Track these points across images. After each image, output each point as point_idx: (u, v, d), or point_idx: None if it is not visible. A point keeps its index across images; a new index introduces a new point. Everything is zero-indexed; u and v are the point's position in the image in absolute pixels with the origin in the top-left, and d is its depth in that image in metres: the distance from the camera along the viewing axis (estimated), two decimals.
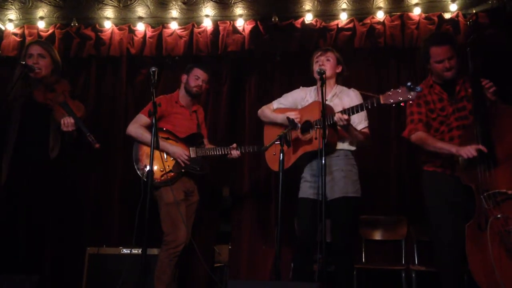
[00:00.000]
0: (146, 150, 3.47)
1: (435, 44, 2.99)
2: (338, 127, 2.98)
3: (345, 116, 2.87)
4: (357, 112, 2.93)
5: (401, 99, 2.72)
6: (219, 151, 3.60)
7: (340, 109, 3.02)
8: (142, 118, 3.53)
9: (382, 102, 2.79)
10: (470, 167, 2.73)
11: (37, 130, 3.18)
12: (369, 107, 2.89)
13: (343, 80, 3.37)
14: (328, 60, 3.23)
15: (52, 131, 3.20)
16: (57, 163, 3.22)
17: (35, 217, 3.16)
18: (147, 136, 3.42)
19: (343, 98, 3.19)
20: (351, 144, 3.15)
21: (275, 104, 3.43)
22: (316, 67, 3.19)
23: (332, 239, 3.02)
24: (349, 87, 3.32)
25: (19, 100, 3.17)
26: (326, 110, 2.81)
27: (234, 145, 3.61)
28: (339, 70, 3.29)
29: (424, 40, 3.17)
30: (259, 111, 3.49)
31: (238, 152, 3.59)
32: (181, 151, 3.48)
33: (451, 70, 2.96)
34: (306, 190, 3.13)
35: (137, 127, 3.52)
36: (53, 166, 3.21)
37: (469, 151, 2.68)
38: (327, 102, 3.02)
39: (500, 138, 2.74)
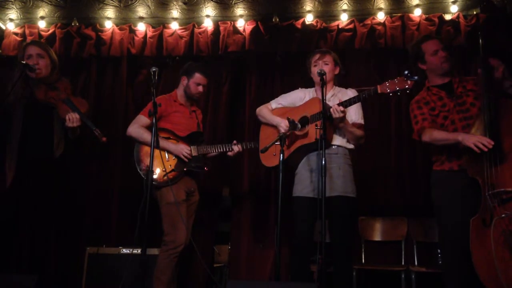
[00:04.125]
0: (147, 150, 3.46)
1: (424, 40, 3.11)
2: (334, 119, 2.96)
3: (341, 108, 2.89)
4: (354, 103, 2.96)
5: (397, 88, 2.77)
6: (220, 149, 3.60)
7: None
8: (142, 119, 3.53)
9: (379, 91, 2.84)
10: (476, 160, 2.71)
11: (40, 129, 3.18)
12: (366, 96, 2.92)
13: (342, 79, 3.38)
14: (326, 64, 3.23)
15: (56, 129, 3.20)
16: (61, 161, 3.22)
17: (40, 217, 3.16)
18: (147, 136, 3.42)
19: (341, 98, 3.19)
20: (348, 142, 3.15)
21: (273, 104, 3.44)
22: (315, 70, 3.20)
23: (331, 239, 3.02)
24: (346, 87, 3.32)
25: (20, 101, 3.17)
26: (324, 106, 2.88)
27: (235, 141, 3.62)
28: (337, 72, 3.30)
29: (412, 45, 3.22)
30: (257, 110, 3.48)
31: (240, 147, 3.59)
32: (182, 147, 3.48)
33: (448, 61, 3.03)
34: (302, 188, 3.11)
35: (137, 127, 3.52)
36: (58, 164, 3.21)
37: (480, 142, 2.64)
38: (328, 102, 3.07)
39: (509, 132, 2.70)
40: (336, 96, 3.23)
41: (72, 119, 3.10)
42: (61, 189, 3.43)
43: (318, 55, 3.27)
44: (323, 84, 2.84)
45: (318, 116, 2.98)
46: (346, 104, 2.94)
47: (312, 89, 3.36)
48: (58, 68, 3.40)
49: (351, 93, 3.24)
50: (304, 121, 3.15)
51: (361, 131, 3.15)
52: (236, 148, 3.58)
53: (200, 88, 3.65)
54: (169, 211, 3.37)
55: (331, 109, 2.90)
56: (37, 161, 3.14)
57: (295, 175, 3.23)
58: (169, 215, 3.37)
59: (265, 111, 3.42)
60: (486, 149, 2.64)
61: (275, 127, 3.28)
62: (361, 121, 3.18)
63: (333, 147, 3.10)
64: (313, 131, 3.04)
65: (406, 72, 2.71)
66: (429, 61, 3.06)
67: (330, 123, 3.02)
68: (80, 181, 4.31)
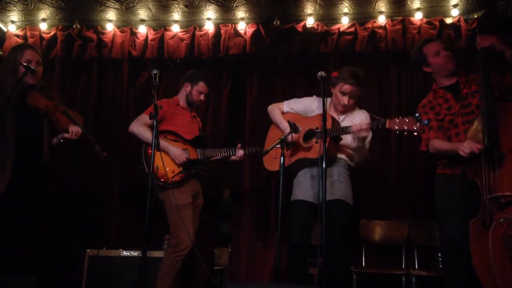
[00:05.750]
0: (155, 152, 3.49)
1: (425, 44, 3.11)
2: (358, 139, 2.98)
3: (367, 126, 2.89)
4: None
5: (406, 128, 2.75)
6: (225, 153, 3.62)
7: None
8: (145, 118, 3.52)
9: (387, 126, 2.83)
10: (475, 163, 2.69)
11: (32, 135, 3.18)
12: (374, 128, 2.92)
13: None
14: (353, 98, 3.19)
15: (46, 136, 3.21)
16: (48, 168, 3.25)
17: (39, 218, 3.17)
18: (148, 135, 3.43)
19: (353, 119, 3.21)
20: (351, 160, 3.19)
21: (286, 107, 3.44)
22: (342, 99, 3.17)
23: (327, 242, 3.00)
24: (360, 101, 3.33)
25: (9, 104, 3.12)
26: (334, 125, 2.98)
27: (239, 145, 3.65)
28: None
29: (414, 51, 3.19)
30: (270, 108, 3.49)
31: (242, 152, 3.62)
32: (179, 152, 3.48)
33: (451, 60, 3.00)
34: (301, 192, 3.12)
35: (139, 125, 3.53)
36: (44, 170, 3.23)
37: (464, 147, 2.65)
38: (339, 121, 3.16)
39: (506, 134, 2.68)
40: (349, 116, 3.25)
41: (76, 132, 3.14)
42: (53, 193, 3.44)
43: (351, 88, 3.14)
44: (324, 87, 2.83)
45: (327, 133, 2.93)
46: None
47: (328, 100, 3.29)
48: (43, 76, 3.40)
49: (363, 115, 3.25)
50: (310, 134, 3.16)
51: (368, 154, 3.19)
52: (240, 152, 3.61)
53: (202, 97, 3.71)
54: (176, 214, 3.37)
55: (356, 128, 2.91)
56: (28, 166, 3.13)
57: (294, 180, 3.24)
58: (176, 218, 3.37)
59: (276, 112, 3.42)
60: (464, 154, 2.65)
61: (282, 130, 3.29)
62: (367, 146, 3.21)
63: (336, 159, 3.13)
64: (317, 146, 3.03)
65: (416, 115, 2.68)
66: (433, 62, 3.04)
67: (336, 142, 3.05)
68: (81, 183, 4.31)
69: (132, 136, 3.57)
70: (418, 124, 2.70)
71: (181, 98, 3.73)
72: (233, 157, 3.64)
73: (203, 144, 3.66)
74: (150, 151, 3.47)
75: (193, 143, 3.61)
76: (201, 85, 3.66)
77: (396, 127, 2.77)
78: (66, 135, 3.15)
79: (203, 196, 3.69)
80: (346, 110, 3.25)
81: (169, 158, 3.45)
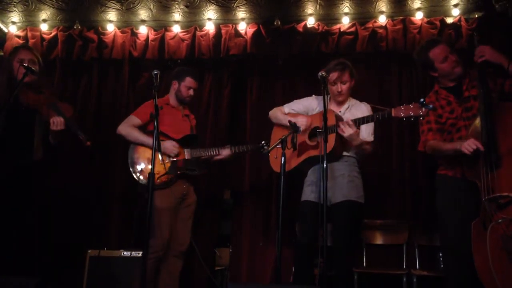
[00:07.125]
0: (142, 152, 3.48)
1: (431, 47, 3.01)
2: (346, 137, 2.95)
3: (350, 122, 2.88)
4: (367, 122, 2.95)
5: (412, 114, 2.73)
6: (212, 152, 3.60)
7: None
8: (133, 119, 3.55)
9: (393, 115, 2.81)
10: (474, 164, 2.69)
11: (21, 132, 3.18)
12: (380, 118, 2.90)
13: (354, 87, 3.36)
14: (344, 83, 3.20)
15: (37, 134, 3.21)
16: (42, 165, 3.24)
17: (41, 219, 3.17)
18: (137, 134, 3.47)
19: (355, 113, 3.20)
20: (356, 153, 3.18)
21: (286, 108, 3.45)
22: (333, 89, 3.20)
23: (332, 242, 3.02)
24: (361, 100, 3.33)
25: (2, 103, 3.14)
26: (338, 119, 2.97)
27: (228, 146, 3.63)
28: (352, 84, 3.26)
29: (418, 52, 3.14)
30: (271, 112, 3.50)
31: (228, 152, 3.59)
32: (171, 145, 3.47)
33: (459, 65, 2.95)
34: (309, 193, 3.14)
35: (127, 126, 3.54)
36: (38, 168, 3.23)
37: (469, 145, 2.64)
38: (341, 115, 3.15)
39: (505, 135, 2.67)
40: (350, 109, 3.24)
41: (57, 122, 3.13)
42: (46, 190, 3.45)
43: (337, 74, 3.18)
44: (324, 87, 2.82)
45: (331, 129, 2.95)
46: (359, 122, 2.95)
47: (327, 97, 3.31)
48: (44, 74, 3.41)
49: (364, 107, 3.24)
50: (316, 132, 3.16)
51: (369, 148, 3.15)
52: (226, 151, 3.58)
53: (191, 92, 3.67)
54: (157, 216, 3.31)
55: (341, 127, 2.89)
56: (15, 163, 3.14)
57: (304, 182, 3.25)
58: (156, 220, 3.31)
59: (278, 113, 3.44)
60: (468, 152, 2.63)
61: (287, 128, 3.28)
62: (371, 138, 3.18)
63: (343, 157, 3.12)
64: (323, 143, 3.03)
65: (421, 100, 2.67)
66: (440, 68, 2.98)
67: (342, 137, 3.04)
68: (81, 183, 4.31)
69: (120, 137, 3.58)
70: (423, 109, 2.69)
71: (171, 97, 3.72)
72: (216, 157, 3.60)
73: (193, 143, 3.62)
74: (135, 153, 3.48)
75: (181, 143, 3.57)
76: (188, 80, 3.65)
77: (402, 115, 2.76)
78: (50, 127, 3.15)
79: (203, 196, 3.68)
80: (345, 100, 3.26)
81: (153, 159, 3.38)
